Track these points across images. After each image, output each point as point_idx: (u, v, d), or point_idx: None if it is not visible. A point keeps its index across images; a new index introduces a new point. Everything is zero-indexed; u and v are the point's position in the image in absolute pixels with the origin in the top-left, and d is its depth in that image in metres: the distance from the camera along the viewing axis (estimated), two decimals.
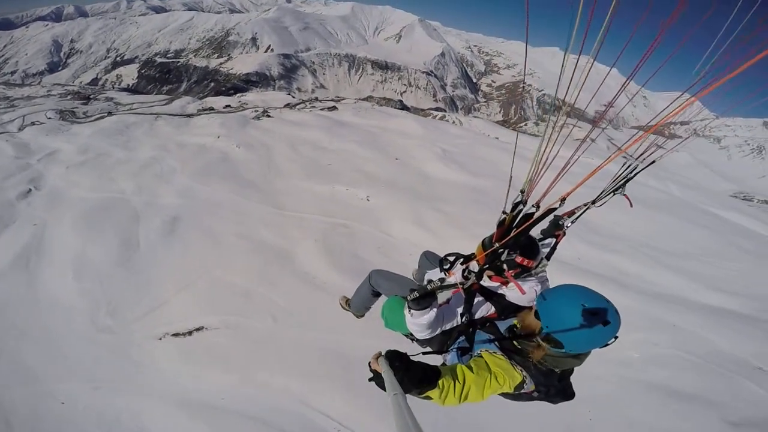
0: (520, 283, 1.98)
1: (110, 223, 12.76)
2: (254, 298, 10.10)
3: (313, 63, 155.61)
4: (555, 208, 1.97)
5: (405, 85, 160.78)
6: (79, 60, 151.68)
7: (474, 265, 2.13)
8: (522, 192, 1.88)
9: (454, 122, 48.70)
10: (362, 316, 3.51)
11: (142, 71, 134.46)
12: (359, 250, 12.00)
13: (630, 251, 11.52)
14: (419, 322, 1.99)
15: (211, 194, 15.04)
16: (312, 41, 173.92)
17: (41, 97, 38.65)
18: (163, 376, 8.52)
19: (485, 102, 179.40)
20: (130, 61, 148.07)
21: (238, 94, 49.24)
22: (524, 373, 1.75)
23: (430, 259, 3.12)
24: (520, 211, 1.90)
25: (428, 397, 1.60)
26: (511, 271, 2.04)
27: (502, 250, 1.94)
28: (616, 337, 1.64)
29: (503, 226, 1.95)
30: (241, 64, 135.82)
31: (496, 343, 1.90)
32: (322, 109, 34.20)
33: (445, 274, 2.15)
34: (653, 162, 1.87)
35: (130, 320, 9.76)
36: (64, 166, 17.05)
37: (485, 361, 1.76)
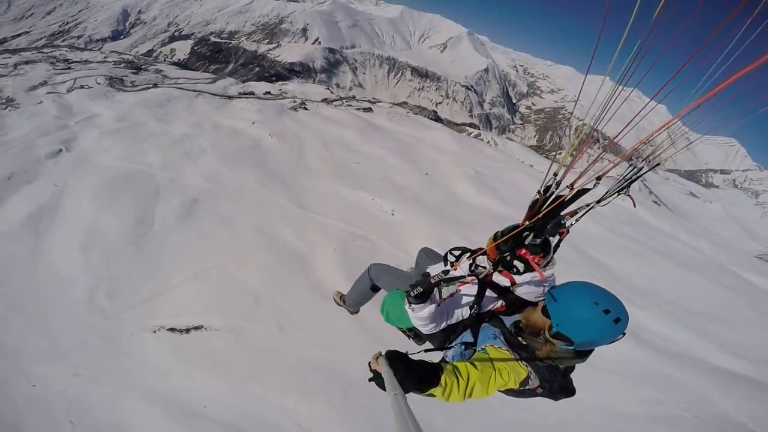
0: (529, 278, 1.96)
1: (129, 196, 12.53)
2: (263, 303, 9.56)
3: (356, 61, 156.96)
4: (589, 189, 1.86)
5: (442, 96, 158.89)
6: (141, 31, 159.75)
7: (482, 260, 2.11)
8: (555, 175, 1.86)
9: (488, 142, 47.29)
10: (357, 312, 3.42)
11: (195, 48, 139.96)
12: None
13: (653, 307, 11.45)
14: (420, 315, 1.95)
15: (236, 180, 14.68)
16: (358, 39, 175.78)
17: (97, 62, 40.45)
18: (149, 372, 8.06)
19: (521, 124, 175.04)
20: (187, 37, 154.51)
21: (279, 82, 49.92)
22: (529, 368, 1.73)
23: (429, 256, 2.99)
24: (553, 192, 1.86)
25: (432, 395, 1.58)
26: (534, 257, 1.96)
27: (527, 233, 1.88)
28: (623, 334, 1.63)
29: (534, 207, 1.90)
30: (288, 52, 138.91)
31: (501, 338, 1.87)
32: (357, 109, 33.85)
33: (451, 268, 2.10)
34: (657, 165, 1.85)
35: (129, 305, 9.32)
36: (99, 132, 17.24)
37: (489, 357, 1.74)
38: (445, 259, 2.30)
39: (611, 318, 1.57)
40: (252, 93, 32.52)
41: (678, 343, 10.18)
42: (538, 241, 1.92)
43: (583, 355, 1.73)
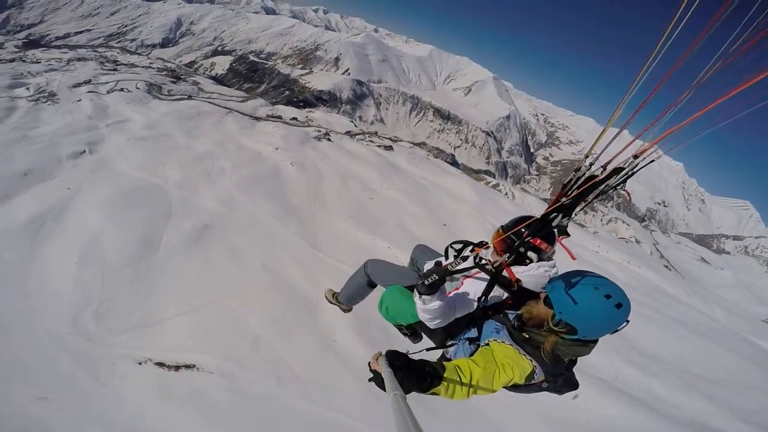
0: (535, 269, 1.96)
1: (140, 212, 12.17)
2: (263, 349, 9.03)
3: (380, 96, 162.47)
4: (622, 168, 1.70)
5: (461, 140, 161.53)
6: (189, 41, 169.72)
7: (485, 252, 2.11)
8: (586, 157, 1.81)
9: (506, 194, 47.15)
10: (350, 310, 3.32)
11: (234, 64, 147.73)
12: (389, 324, 10.51)
13: (667, 374, 11.53)
14: (430, 307, 1.89)
15: (251, 209, 14.34)
16: (385, 74, 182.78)
17: (142, 67, 42.58)
18: (124, 406, 7.44)
19: (537, 175, 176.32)
20: (228, 53, 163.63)
21: (306, 109, 51.57)
22: (534, 363, 1.71)
23: (426, 252, 2.85)
24: (585, 173, 1.80)
25: (435, 393, 1.56)
26: (561, 237, 1.94)
27: (554, 214, 1.82)
28: (627, 321, 1.62)
29: (565, 188, 1.82)
30: (319, 80, 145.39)
31: (505, 332, 1.86)
32: (378, 146, 34.26)
33: (459, 260, 2.03)
34: (652, 161, 1.67)
35: (116, 331, 8.71)
36: (126, 138, 17.40)
37: (492, 353, 1.72)
38: (446, 252, 2.29)
39: (613, 303, 1.57)
40: (279, 117, 33.37)
41: (689, 411, 10.13)
42: (567, 221, 1.88)
43: (587, 344, 1.71)
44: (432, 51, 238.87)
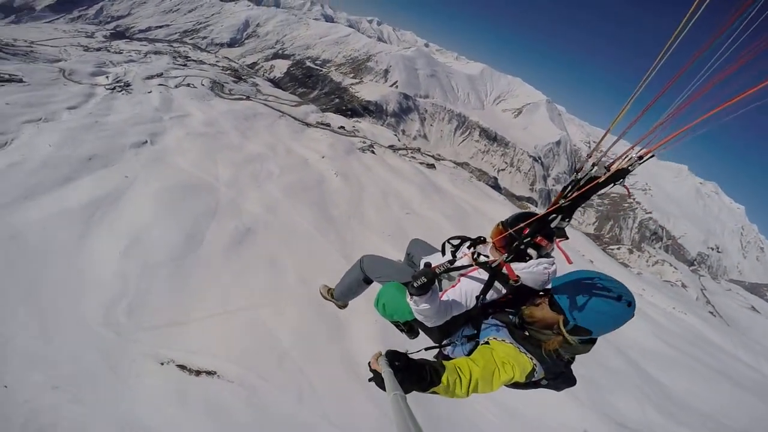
0: (534, 266, 1.92)
1: (189, 207, 12.43)
2: (288, 364, 8.70)
3: (425, 111, 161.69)
4: (628, 170, 1.66)
5: (506, 163, 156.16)
6: (253, 43, 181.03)
7: (482, 248, 2.11)
8: (589, 157, 1.77)
9: None
10: (345, 306, 3.17)
11: (291, 69, 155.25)
12: (417, 353, 9.96)
13: (698, 425, 11.21)
14: (423, 308, 1.86)
15: (293, 217, 14.30)
16: (433, 90, 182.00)
17: (209, 64, 45.74)
18: (138, 405, 7.27)
19: (582, 208, 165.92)
20: (287, 57, 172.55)
21: (353, 118, 52.43)
22: (534, 361, 1.72)
23: (422, 247, 2.76)
24: (587, 174, 1.73)
25: (435, 392, 1.58)
26: (559, 240, 1.93)
27: (554, 215, 1.80)
28: (632, 315, 1.65)
29: (565, 189, 1.80)
30: (367, 90, 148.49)
31: (505, 329, 1.85)
32: (420, 163, 33.67)
33: (454, 258, 2.04)
34: (652, 155, 1.62)
35: (145, 326, 8.67)
36: (186, 132, 18.26)
37: (492, 352, 1.72)
38: (443, 248, 2.28)
39: (625, 303, 1.60)
40: (328, 125, 33.97)
41: None
42: (566, 223, 1.81)
43: (589, 343, 1.72)
44: (484, 69, 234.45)
